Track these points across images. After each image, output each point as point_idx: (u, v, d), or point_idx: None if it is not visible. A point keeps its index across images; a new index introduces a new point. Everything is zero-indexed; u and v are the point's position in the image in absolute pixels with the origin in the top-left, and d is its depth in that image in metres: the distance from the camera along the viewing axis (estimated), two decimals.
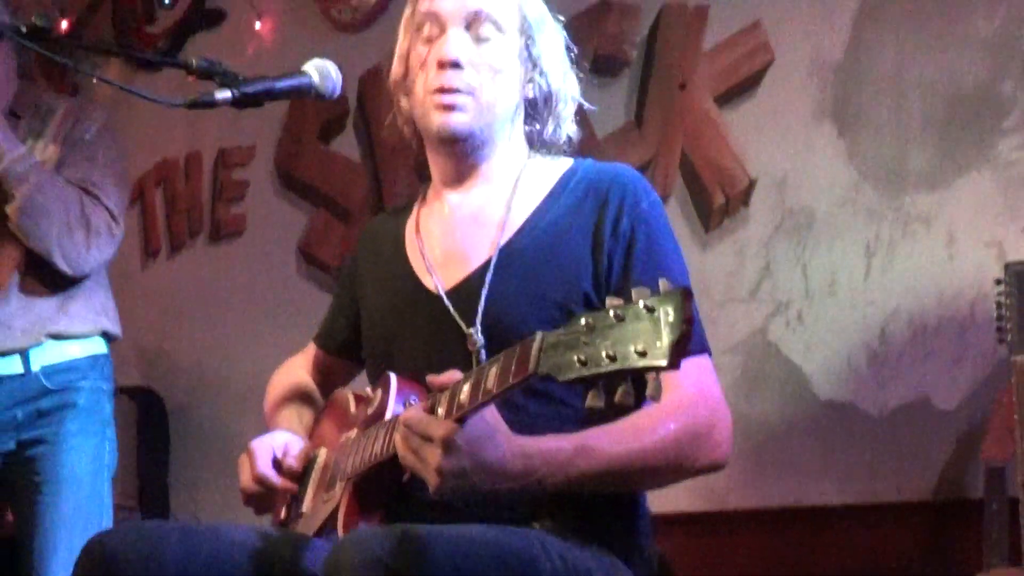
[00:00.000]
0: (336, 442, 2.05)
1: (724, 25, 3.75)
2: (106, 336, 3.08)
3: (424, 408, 1.74)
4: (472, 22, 1.99)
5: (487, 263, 1.99)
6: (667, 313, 1.42)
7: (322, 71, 2.02)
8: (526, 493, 1.77)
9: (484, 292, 1.96)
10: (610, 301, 1.49)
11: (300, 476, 2.07)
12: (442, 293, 2.00)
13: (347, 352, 2.25)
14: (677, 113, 3.80)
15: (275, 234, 4.60)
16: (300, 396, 2.27)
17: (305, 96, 2.03)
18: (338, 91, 2.05)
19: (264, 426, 2.23)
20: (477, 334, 1.93)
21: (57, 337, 2.96)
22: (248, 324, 4.57)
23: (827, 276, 3.53)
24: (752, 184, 3.66)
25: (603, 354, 1.45)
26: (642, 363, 1.43)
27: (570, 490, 1.80)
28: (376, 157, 4.40)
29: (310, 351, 2.34)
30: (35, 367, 2.94)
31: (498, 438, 1.73)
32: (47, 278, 2.94)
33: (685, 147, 3.73)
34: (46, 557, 2.89)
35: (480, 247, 2.02)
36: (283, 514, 2.09)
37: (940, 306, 3.33)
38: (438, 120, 2.00)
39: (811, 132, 3.59)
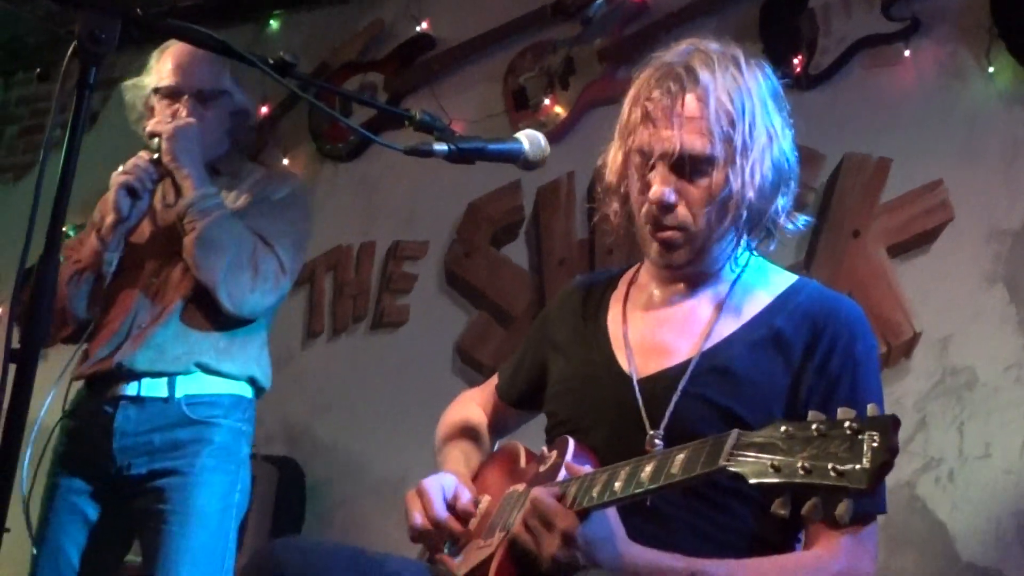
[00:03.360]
0: (501, 491, 2.08)
1: (905, 179, 3.77)
2: (253, 383, 3.09)
3: (555, 494, 1.77)
4: (681, 163, 1.95)
5: (686, 364, 1.97)
6: (872, 438, 1.42)
7: (532, 140, 2.11)
8: None
9: (675, 396, 1.94)
10: (813, 415, 1.48)
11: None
12: (635, 379, 2.00)
13: (524, 405, 2.32)
14: (848, 259, 3.81)
15: (435, 330, 4.69)
16: (471, 435, 2.32)
17: (514, 162, 2.12)
18: (544, 162, 2.13)
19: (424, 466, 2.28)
20: (659, 438, 1.92)
21: (206, 370, 2.98)
22: (396, 414, 4.63)
23: (983, 439, 3.48)
24: (916, 337, 3.64)
25: (799, 465, 1.44)
26: (840, 483, 1.41)
27: None
28: (543, 268, 4.49)
29: (489, 389, 2.40)
30: (179, 394, 2.97)
31: (616, 542, 1.75)
32: (209, 314, 2.99)
33: (853, 292, 3.68)
34: None
35: (683, 345, 2.01)
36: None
37: None
38: (655, 253, 2.03)
39: (982, 295, 3.57)
